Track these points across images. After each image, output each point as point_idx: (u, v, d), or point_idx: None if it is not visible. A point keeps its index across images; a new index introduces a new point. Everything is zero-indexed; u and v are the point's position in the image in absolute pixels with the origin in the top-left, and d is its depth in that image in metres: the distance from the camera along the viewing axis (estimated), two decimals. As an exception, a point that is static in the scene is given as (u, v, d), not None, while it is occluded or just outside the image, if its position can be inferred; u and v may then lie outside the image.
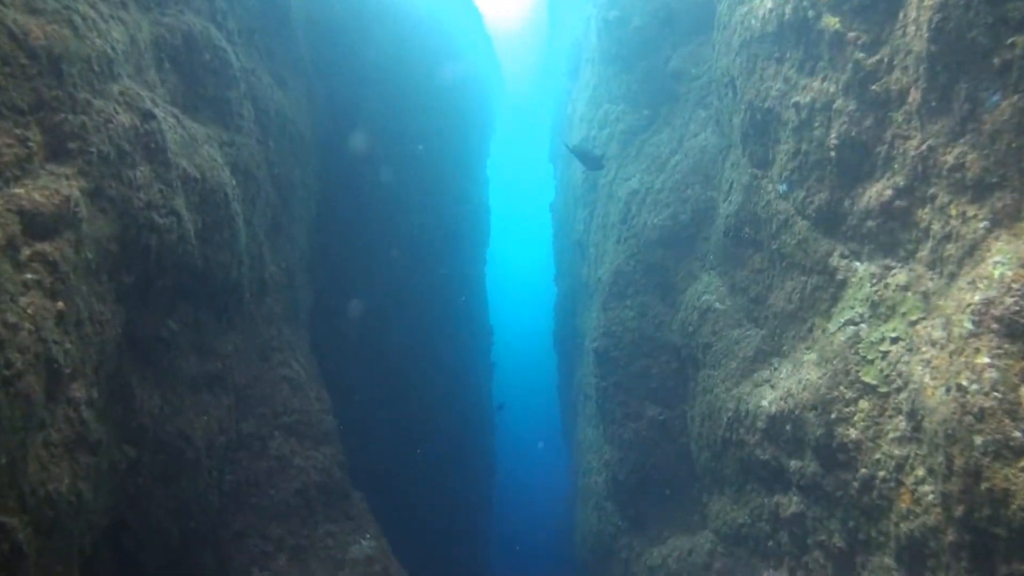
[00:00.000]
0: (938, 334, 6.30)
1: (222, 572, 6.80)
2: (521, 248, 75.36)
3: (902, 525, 6.52)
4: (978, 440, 5.38)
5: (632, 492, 13.50)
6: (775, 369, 9.10)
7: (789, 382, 8.34)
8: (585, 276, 18.77)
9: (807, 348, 8.49)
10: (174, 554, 6.15)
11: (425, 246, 20.92)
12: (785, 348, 9.18)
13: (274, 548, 7.47)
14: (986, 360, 5.46)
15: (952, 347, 5.92)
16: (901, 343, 6.87)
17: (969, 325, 5.71)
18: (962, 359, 5.72)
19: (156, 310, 6.21)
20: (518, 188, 67.39)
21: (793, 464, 8.24)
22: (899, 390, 6.72)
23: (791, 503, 8.44)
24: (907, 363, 6.68)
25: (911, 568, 6.56)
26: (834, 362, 7.58)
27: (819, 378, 7.70)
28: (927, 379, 6.22)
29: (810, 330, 8.61)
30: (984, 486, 5.36)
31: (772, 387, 8.82)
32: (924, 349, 6.46)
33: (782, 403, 8.29)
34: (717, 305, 10.94)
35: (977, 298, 5.72)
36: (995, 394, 5.30)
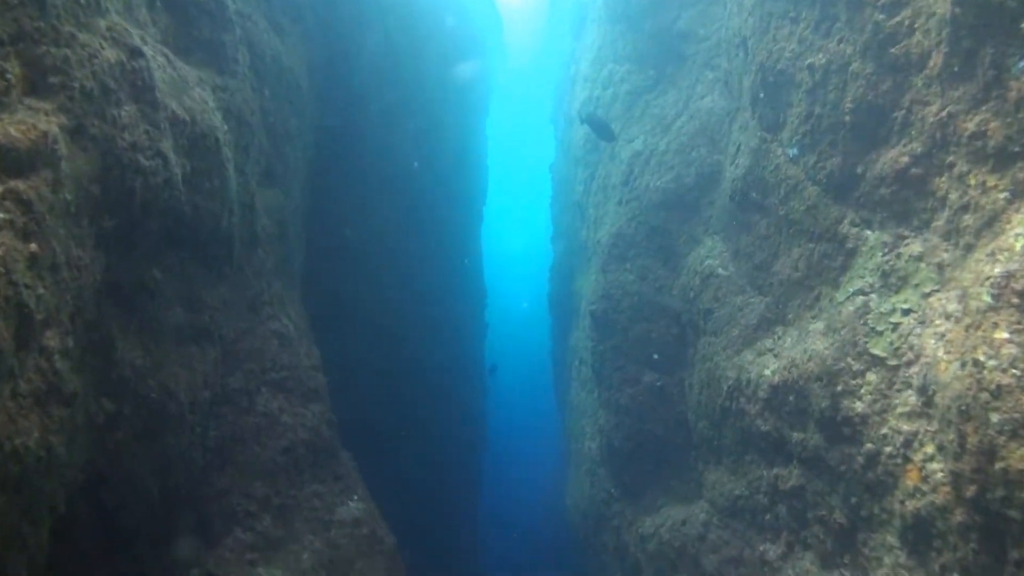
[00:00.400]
0: (953, 307, 6.08)
1: (204, 531, 6.59)
2: (518, 210, 75.10)
3: (908, 503, 6.32)
4: (994, 418, 5.16)
5: (626, 459, 13.36)
6: (779, 338, 8.89)
7: (794, 352, 8.12)
8: (583, 238, 18.53)
9: (813, 317, 8.27)
10: (154, 512, 5.95)
11: (422, 205, 20.63)
12: (790, 317, 8.96)
13: (258, 507, 7.26)
14: (1005, 335, 5.23)
15: (968, 321, 5.69)
16: (913, 315, 6.64)
17: (988, 298, 5.48)
18: (979, 333, 5.50)
19: (140, 258, 5.96)
20: (518, 149, 66.94)
21: (795, 436, 8.04)
22: (909, 363, 6.50)
23: (791, 476, 8.26)
24: (919, 336, 6.46)
25: (915, 548, 6.38)
26: (841, 332, 7.36)
27: (825, 348, 7.48)
28: (940, 353, 6.01)
29: (816, 299, 8.39)
30: (999, 466, 5.15)
31: (775, 356, 8.61)
32: (938, 322, 6.24)
33: (786, 373, 8.08)
34: (720, 271, 10.71)
35: (997, 271, 5.48)
36: (1014, 371, 5.07)
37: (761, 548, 9.07)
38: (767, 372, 8.53)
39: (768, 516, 8.91)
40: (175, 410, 5.98)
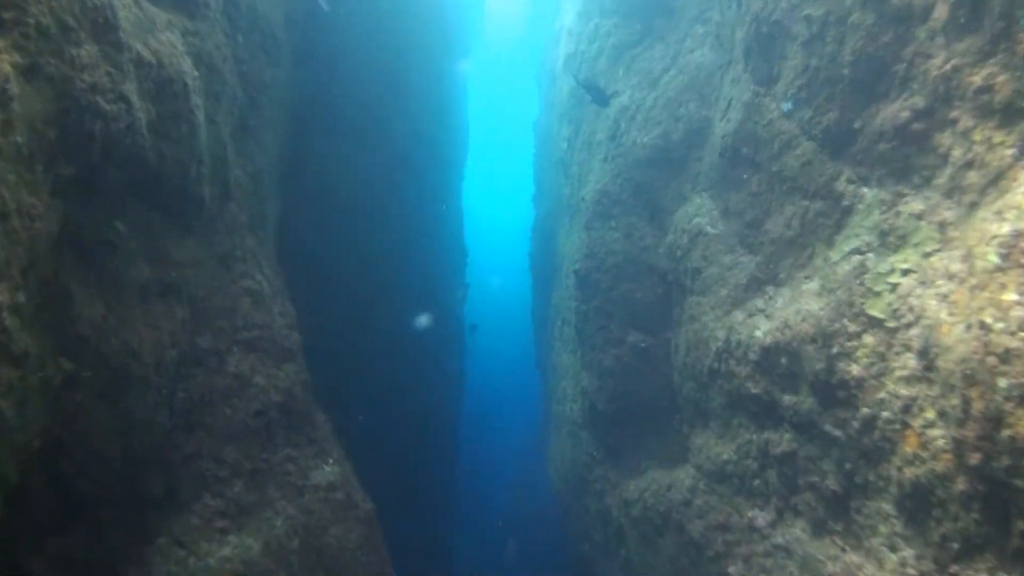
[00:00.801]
0: (957, 267, 5.83)
1: (171, 498, 6.32)
2: (500, 168, 74.79)
3: (906, 470, 6.12)
4: (1002, 383, 4.94)
5: (609, 422, 13.17)
6: (770, 298, 8.64)
7: (786, 312, 7.87)
8: (567, 196, 18.25)
9: (806, 277, 8.02)
10: (117, 479, 5.67)
11: (401, 162, 20.23)
12: (781, 276, 8.71)
13: (229, 473, 6.97)
14: (1013, 297, 5.00)
15: (974, 281, 5.46)
16: (913, 275, 6.39)
17: (995, 259, 5.24)
18: (986, 295, 5.26)
19: (102, 209, 5.63)
20: (501, 107, 66.49)
21: (787, 399, 7.82)
22: (909, 325, 6.25)
23: (782, 441, 8.05)
24: (919, 297, 6.21)
25: (913, 516, 6.19)
26: (837, 293, 7.11)
27: (820, 309, 7.24)
28: (943, 315, 5.78)
29: (810, 258, 8.14)
30: (1005, 433, 4.95)
31: (767, 317, 8.37)
32: (940, 283, 6.00)
33: (778, 334, 7.84)
34: (709, 229, 10.44)
35: (1005, 229, 5.25)
36: (1023, 334, 4.84)
37: (749, 514, 8.88)
38: (758, 333, 8.29)
39: (757, 482, 8.71)
40: (139, 371, 5.67)
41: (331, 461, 8.80)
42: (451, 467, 30.75)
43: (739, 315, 9.03)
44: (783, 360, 7.75)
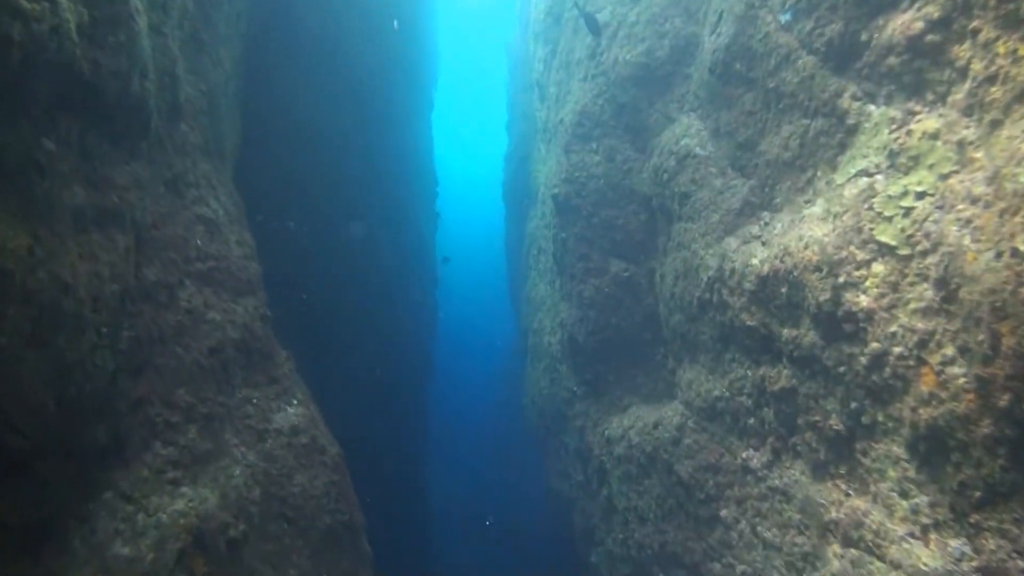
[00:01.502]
0: (981, 190, 5.36)
1: (117, 449, 5.79)
2: (472, 93, 73.74)
3: (921, 411, 5.70)
4: (1038, 316, 4.51)
5: (590, 355, 12.77)
6: (766, 224, 8.17)
7: (786, 239, 7.39)
8: (543, 119, 17.66)
9: (807, 202, 7.54)
10: (54, 430, 5.16)
11: (367, 86, 19.48)
12: (778, 201, 8.24)
13: (182, 418, 6.44)
14: (1051, 220, 4.56)
15: (1002, 205, 4.99)
16: (928, 199, 5.91)
17: (1027, 178, 4.79)
18: (1017, 219, 4.81)
19: (25, 125, 5.01)
20: (472, 28, 65.31)
21: (786, 333, 7.37)
22: (925, 253, 5.79)
23: (780, 377, 7.62)
24: (937, 222, 5.74)
25: (927, 460, 5.80)
26: (843, 218, 6.63)
27: (825, 235, 6.75)
28: (966, 242, 5.32)
29: (810, 181, 7.66)
30: (1042, 371, 4.53)
31: (764, 244, 7.90)
32: (961, 207, 5.53)
33: (777, 262, 7.36)
34: (698, 151, 9.93)
35: (1039, 147, 4.78)
36: (1063, 261, 4.41)
37: (743, 455, 8.51)
38: (754, 261, 7.82)
39: (752, 420, 8.31)
40: (72, 308, 5.11)
41: (295, 402, 8.31)
42: (423, 401, 30.48)
43: (733, 242, 8.55)
44: (783, 290, 7.29)
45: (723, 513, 8.84)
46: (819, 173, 7.50)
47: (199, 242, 7.49)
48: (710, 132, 9.88)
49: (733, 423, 8.72)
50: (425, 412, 31.37)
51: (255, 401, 7.65)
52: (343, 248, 17.44)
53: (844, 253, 6.47)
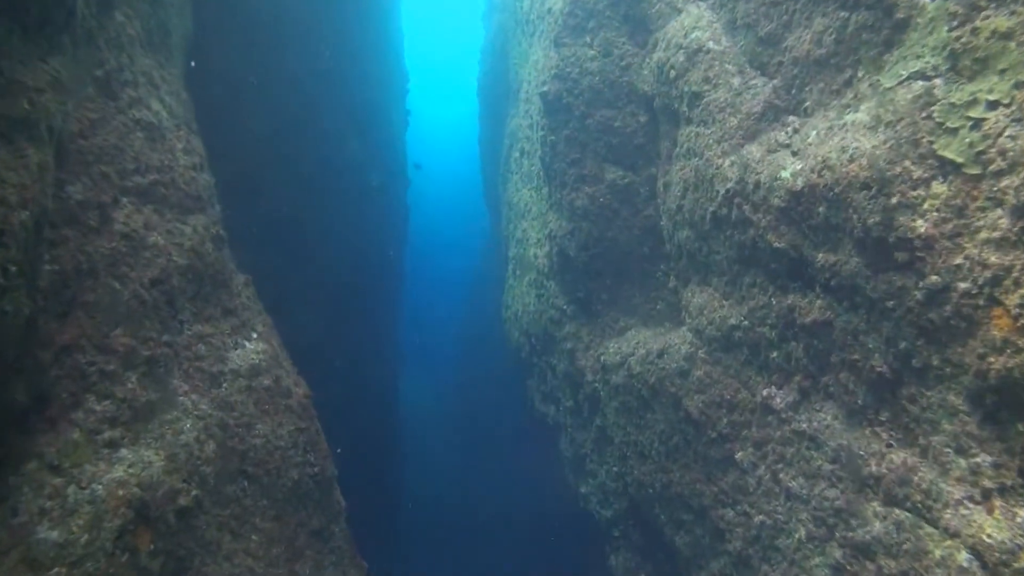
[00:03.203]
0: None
1: (41, 407, 5.08)
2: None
3: (991, 359, 5.10)
4: None
5: (582, 271, 12.12)
6: (795, 131, 7.44)
7: (824, 149, 6.67)
8: (526, 8, 16.67)
9: (846, 107, 6.81)
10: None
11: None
12: (808, 104, 7.52)
13: (119, 365, 5.70)
14: None
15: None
16: (1004, 109, 5.21)
17: None
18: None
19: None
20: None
21: (822, 258, 6.70)
22: (1000, 174, 5.12)
23: (813, 308, 6.99)
24: (1013, 137, 5.06)
25: (993, 415, 5.23)
26: (897, 127, 5.92)
27: (875, 147, 6.04)
28: (1055, 161, 4.66)
29: (849, 83, 6.93)
30: None
31: (795, 154, 7.18)
32: (1046, 119, 4.87)
33: (814, 176, 6.65)
34: (711, 45, 9.14)
35: None
36: None
37: (764, 392, 7.93)
38: (784, 174, 7.11)
39: (775, 354, 7.70)
40: (-27, 241, 4.40)
41: (254, 335, 7.59)
42: (392, 309, 29.94)
43: (755, 150, 7.83)
44: (820, 209, 6.60)
45: (738, 456, 8.31)
46: (860, 73, 6.78)
47: (137, 152, 6.67)
48: (725, 24, 9.11)
49: (752, 356, 8.12)
50: (395, 321, 30.86)
51: (208, 338, 6.91)
52: (307, 150, 16.60)
53: (898, 169, 5.79)
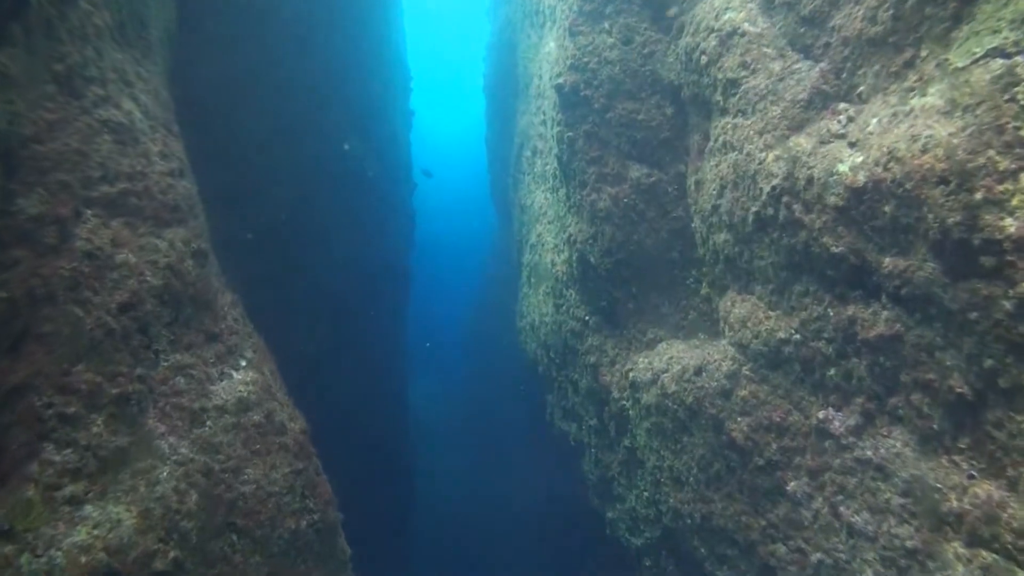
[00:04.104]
0: None
1: (-10, 459, 4.48)
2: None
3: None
4: None
5: (605, 279, 11.49)
6: (850, 120, 6.81)
7: (889, 139, 6.02)
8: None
9: (910, 90, 6.18)
10: None
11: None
12: (862, 90, 6.88)
13: (83, 406, 5.05)
14: None
15: None
16: (1102, 87, 4.59)
17: None
18: None
19: None
20: None
21: (889, 263, 6.06)
22: (1104, 163, 4.50)
23: (878, 320, 6.34)
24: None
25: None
26: (977, 112, 5.28)
27: (951, 135, 5.40)
28: None
29: (910, 64, 6.30)
30: None
31: (852, 145, 6.54)
32: None
33: (879, 170, 6.01)
34: (747, 26, 8.52)
35: None
36: None
37: (820, 415, 7.28)
38: (842, 168, 6.46)
39: (833, 372, 7.05)
40: None
41: (243, 363, 6.94)
42: (401, 318, 29.46)
43: (804, 142, 7.18)
44: (886, 207, 5.96)
45: (790, 486, 7.66)
46: (924, 53, 6.15)
47: (104, 157, 6.03)
48: (761, 4, 8.50)
49: (805, 374, 7.46)
50: (404, 329, 30.42)
51: (188, 370, 6.26)
52: (306, 155, 16.05)
53: (981, 160, 5.15)
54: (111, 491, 5.06)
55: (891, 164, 5.86)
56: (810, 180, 6.87)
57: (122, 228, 6.04)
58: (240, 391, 6.68)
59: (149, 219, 6.44)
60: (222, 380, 6.62)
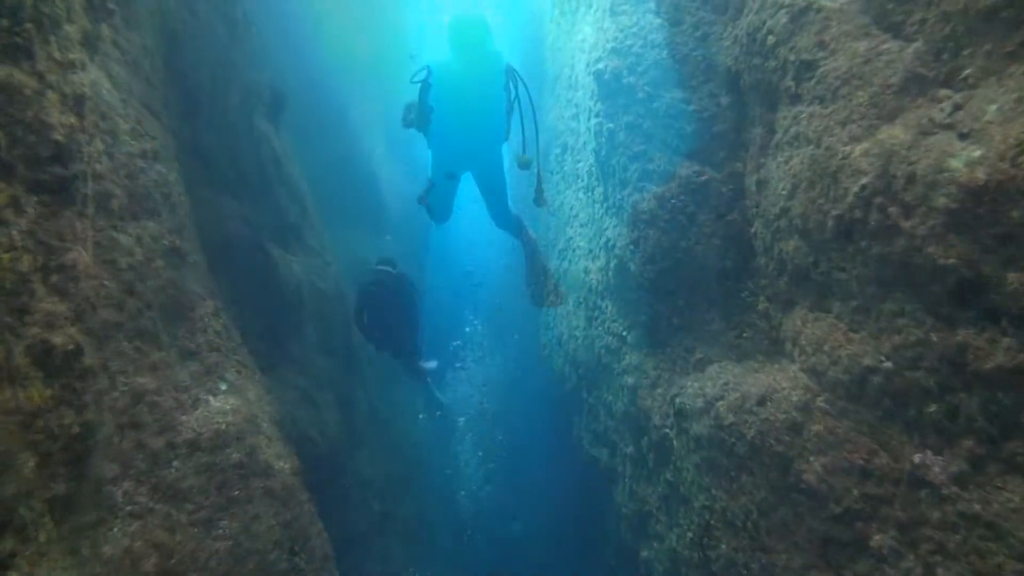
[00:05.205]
0: None
1: None
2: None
3: None
4: None
5: (648, 289, 10.63)
6: (957, 107, 5.91)
7: (1016, 129, 5.14)
8: (565, -23, 15.43)
9: (1038, 72, 5.32)
10: None
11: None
12: (970, 72, 5.99)
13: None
14: None
15: None
16: None
17: None
18: None
19: None
20: None
21: (1014, 279, 5.17)
22: None
23: (997, 349, 5.43)
24: None
25: None
26: None
27: (1105, 122, 4.53)
28: None
29: (1030, 41, 5.46)
30: None
31: (964, 137, 5.65)
32: None
33: (1005, 166, 5.10)
34: (824, 1, 7.65)
35: None
36: None
37: (915, 458, 6.34)
38: (955, 163, 5.56)
39: (934, 409, 6.12)
40: None
41: (223, 387, 6.04)
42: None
43: (900, 133, 6.28)
44: (1014, 212, 5.08)
45: (875, 540, 6.73)
46: (1053, 25, 5.30)
47: (58, 136, 5.16)
48: (840, -25, 7.65)
49: (897, 409, 6.52)
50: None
51: (152, 396, 5.36)
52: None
53: None
54: (48, 557, 4.15)
55: (1021, 159, 4.97)
56: (911, 178, 5.96)
57: (75, 219, 5.15)
58: (217, 422, 5.75)
59: (110, 211, 5.56)
60: (196, 408, 5.71)
